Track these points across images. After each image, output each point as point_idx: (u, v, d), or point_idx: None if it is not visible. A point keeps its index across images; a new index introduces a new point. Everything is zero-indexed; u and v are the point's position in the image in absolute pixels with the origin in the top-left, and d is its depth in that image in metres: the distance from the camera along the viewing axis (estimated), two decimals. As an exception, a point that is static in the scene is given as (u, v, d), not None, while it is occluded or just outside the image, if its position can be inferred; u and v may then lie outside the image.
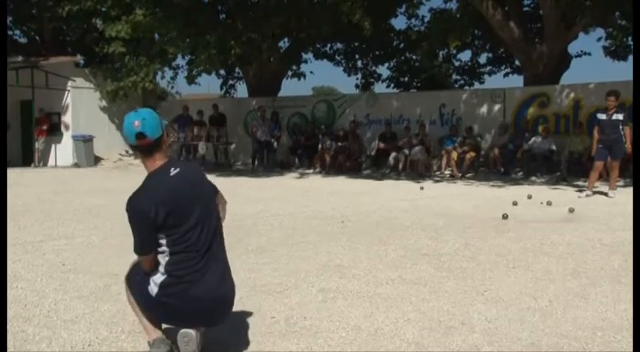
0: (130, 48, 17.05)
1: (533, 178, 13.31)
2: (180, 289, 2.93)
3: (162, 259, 2.97)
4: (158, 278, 2.97)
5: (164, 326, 3.11)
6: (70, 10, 17.06)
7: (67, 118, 18.72)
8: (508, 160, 14.33)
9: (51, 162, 18.55)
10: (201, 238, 2.97)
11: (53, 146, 18.52)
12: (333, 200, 9.62)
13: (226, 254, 3.11)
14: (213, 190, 3.18)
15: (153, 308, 3.03)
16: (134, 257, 3.08)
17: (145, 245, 2.95)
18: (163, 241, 2.95)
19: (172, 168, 3.02)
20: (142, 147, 2.99)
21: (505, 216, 7.47)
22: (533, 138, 14.12)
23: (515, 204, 8.79)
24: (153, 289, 2.98)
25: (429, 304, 3.95)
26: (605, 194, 9.87)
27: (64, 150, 18.47)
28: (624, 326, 3.52)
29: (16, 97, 17.88)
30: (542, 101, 15.03)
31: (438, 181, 13.27)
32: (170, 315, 3.03)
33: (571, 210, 8.15)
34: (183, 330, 3.03)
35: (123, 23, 15.61)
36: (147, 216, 2.88)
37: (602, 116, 9.85)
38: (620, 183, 11.04)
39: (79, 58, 19.69)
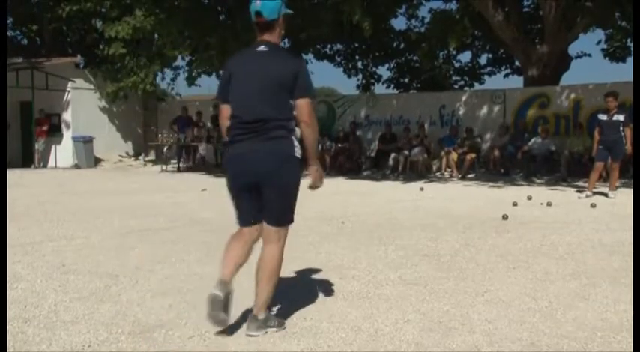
0: (130, 48, 17.06)
1: (533, 179, 13.31)
2: (227, 153, 3.40)
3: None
4: None
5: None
6: (70, 11, 17.07)
7: (67, 119, 18.74)
8: (508, 161, 14.34)
9: (51, 163, 18.57)
10: (245, 108, 3.31)
11: (53, 147, 18.54)
12: (333, 201, 9.62)
13: (278, 131, 3.27)
14: (290, 85, 3.26)
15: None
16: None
17: (219, 90, 3.50)
18: None
19: (263, 47, 3.37)
20: (258, 24, 3.38)
21: (505, 217, 7.47)
22: (533, 139, 14.13)
23: (515, 204, 8.79)
24: None
25: (429, 305, 3.95)
26: (605, 195, 9.88)
27: (64, 151, 18.48)
28: (624, 327, 3.52)
29: (16, 98, 17.89)
30: (543, 102, 15.05)
31: (437, 182, 13.27)
32: (228, 182, 3.43)
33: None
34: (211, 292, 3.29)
35: (123, 24, 15.61)
36: (225, 73, 3.49)
37: (603, 117, 9.86)
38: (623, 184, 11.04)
39: (79, 59, 19.72)
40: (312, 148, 3.38)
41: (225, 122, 3.43)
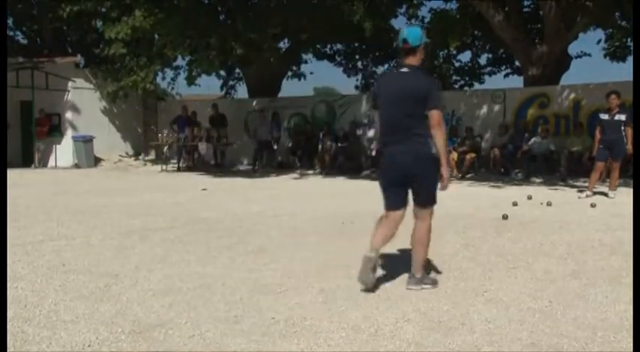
0: (130, 48, 17.05)
1: (533, 179, 13.31)
2: (383, 153, 4.35)
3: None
4: None
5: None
6: (70, 11, 17.02)
7: (67, 119, 18.73)
8: (508, 161, 14.33)
9: (51, 162, 18.55)
10: (391, 118, 4.23)
11: (53, 147, 18.52)
12: (333, 200, 9.63)
13: (420, 135, 4.14)
14: (423, 98, 4.13)
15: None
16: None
17: (372, 99, 4.60)
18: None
19: (406, 69, 4.28)
20: (404, 49, 4.27)
21: (505, 217, 7.47)
22: (533, 139, 14.12)
23: (515, 204, 8.79)
24: None
25: (429, 304, 3.95)
26: (605, 194, 9.87)
27: (64, 151, 18.46)
28: (624, 326, 3.52)
29: (17, 98, 17.87)
30: (543, 101, 15.04)
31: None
32: (380, 176, 4.43)
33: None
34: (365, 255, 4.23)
35: (123, 24, 15.59)
36: (376, 87, 4.60)
37: (605, 116, 9.84)
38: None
39: (80, 59, 19.69)
40: (442, 148, 4.18)
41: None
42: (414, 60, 4.27)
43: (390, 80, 4.44)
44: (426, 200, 4.28)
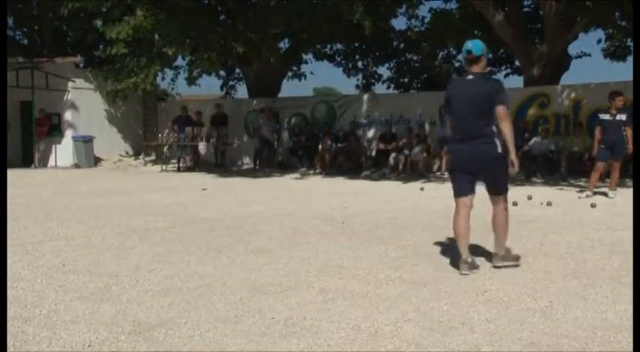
0: (130, 48, 17.04)
1: (534, 179, 13.30)
2: (453, 149, 4.98)
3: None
4: None
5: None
6: (72, 8, 16.95)
7: (67, 119, 18.74)
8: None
9: (51, 162, 18.56)
10: (461, 120, 4.78)
11: (53, 147, 18.53)
12: (334, 200, 9.62)
13: (487, 136, 4.69)
14: (490, 99, 4.66)
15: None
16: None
17: (445, 105, 5.05)
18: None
19: (471, 76, 4.83)
20: (469, 59, 4.84)
21: (505, 217, 7.46)
22: (533, 139, 14.12)
23: (515, 204, 8.76)
24: None
25: (429, 304, 3.95)
26: (606, 194, 9.87)
27: (64, 151, 18.46)
28: (624, 326, 3.52)
29: (17, 98, 17.88)
30: (543, 101, 15.04)
31: (438, 181, 13.26)
32: (451, 168, 5.05)
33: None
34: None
35: (124, 24, 15.58)
36: (447, 93, 4.99)
37: (605, 116, 9.82)
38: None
39: (80, 59, 19.67)
40: (508, 139, 4.72)
41: (446, 128, 4.99)
42: (478, 68, 4.81)
43: (460, 86, 4.93)
44: (500, 187, 4.84)
